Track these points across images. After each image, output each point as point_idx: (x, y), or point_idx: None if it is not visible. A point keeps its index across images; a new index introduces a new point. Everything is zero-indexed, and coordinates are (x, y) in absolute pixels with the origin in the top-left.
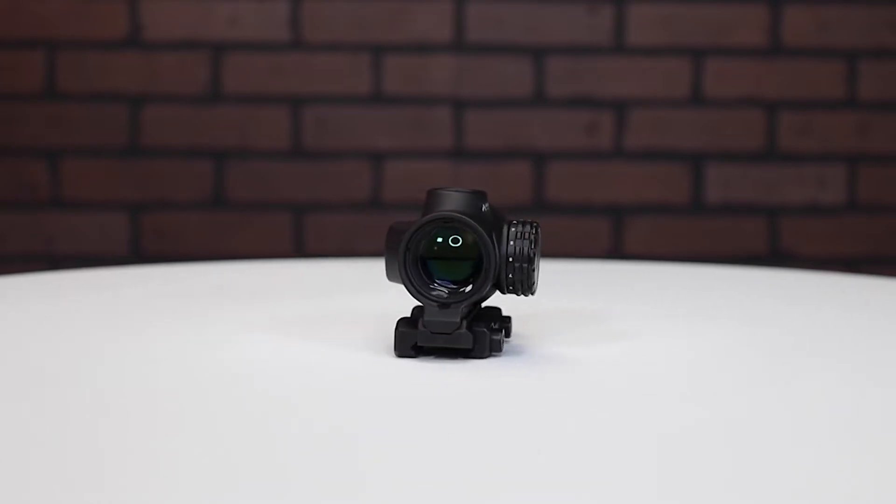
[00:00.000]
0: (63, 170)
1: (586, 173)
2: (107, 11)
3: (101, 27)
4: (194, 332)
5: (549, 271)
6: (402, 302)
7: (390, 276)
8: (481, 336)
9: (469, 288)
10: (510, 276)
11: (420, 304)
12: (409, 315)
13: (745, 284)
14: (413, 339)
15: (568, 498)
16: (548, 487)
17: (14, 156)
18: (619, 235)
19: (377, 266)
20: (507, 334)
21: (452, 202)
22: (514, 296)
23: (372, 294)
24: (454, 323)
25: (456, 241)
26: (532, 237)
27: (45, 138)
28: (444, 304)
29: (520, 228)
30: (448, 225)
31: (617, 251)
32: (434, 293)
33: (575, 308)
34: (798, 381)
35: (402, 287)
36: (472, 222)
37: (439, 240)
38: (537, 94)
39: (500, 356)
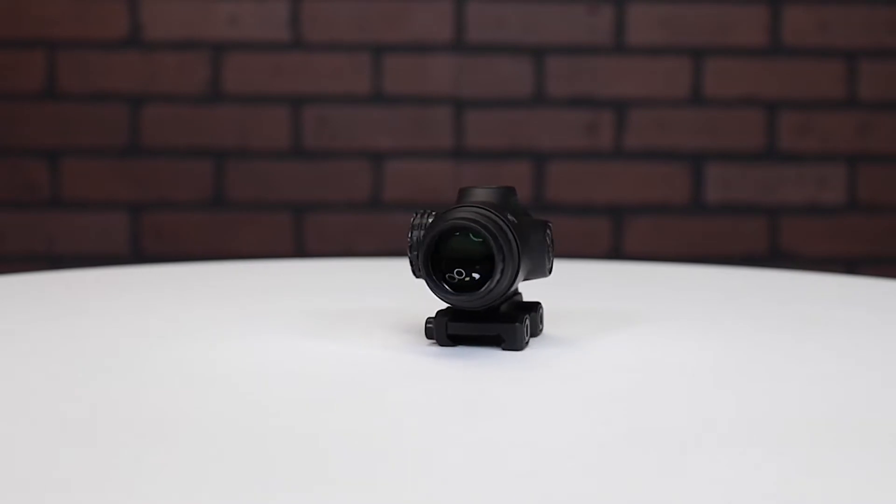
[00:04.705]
0: (63, 170)
1: (586, 173)
2: (107, 11)
3: (101, 27)
4: (195, 331)
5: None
6: (405, 302)
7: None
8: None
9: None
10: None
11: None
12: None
13: (745, 284)
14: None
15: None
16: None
17: (14, 156)
18: (619, 235)
19: (378, 266)
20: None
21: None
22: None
23: (373, 294)
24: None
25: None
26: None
27: (45, 138)
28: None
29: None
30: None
31: (617, 251)
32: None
33: (579, 308)
34: (796, 382)
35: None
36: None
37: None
38: (537, 94)
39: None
